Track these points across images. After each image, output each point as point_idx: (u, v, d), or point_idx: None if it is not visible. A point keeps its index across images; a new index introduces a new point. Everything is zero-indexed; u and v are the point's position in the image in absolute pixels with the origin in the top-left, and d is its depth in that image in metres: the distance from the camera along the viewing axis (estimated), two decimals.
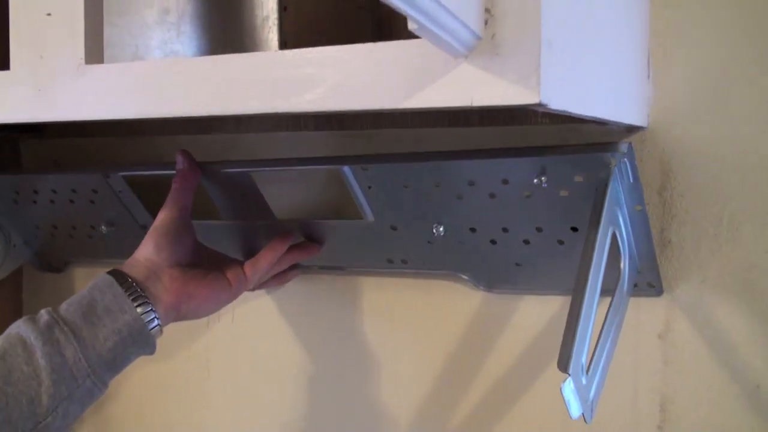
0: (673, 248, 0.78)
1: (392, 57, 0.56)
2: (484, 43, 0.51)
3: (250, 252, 0.93)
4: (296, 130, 0.97)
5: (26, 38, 0.70)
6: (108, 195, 0.98)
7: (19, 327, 0.72)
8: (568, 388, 0.59)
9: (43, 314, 0.72)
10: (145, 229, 1.00)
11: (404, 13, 0.43)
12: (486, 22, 0.50)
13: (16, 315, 1.18)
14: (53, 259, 1.15)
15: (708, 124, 0.75)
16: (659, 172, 0.78)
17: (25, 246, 1.14)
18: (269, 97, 0.61)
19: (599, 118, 0.64)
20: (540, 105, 0.50)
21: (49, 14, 0.68)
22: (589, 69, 0.60)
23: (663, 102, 0.76)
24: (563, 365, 0.59)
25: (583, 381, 0.62)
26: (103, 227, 1.02)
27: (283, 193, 0.92)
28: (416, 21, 0.44)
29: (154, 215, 0.97)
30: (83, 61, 0.67)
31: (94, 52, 0.67)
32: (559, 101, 0.52)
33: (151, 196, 0.96)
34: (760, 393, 0.76)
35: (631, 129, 0.77)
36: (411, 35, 0.48)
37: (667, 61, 0.76)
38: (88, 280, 1.15)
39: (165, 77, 0.64)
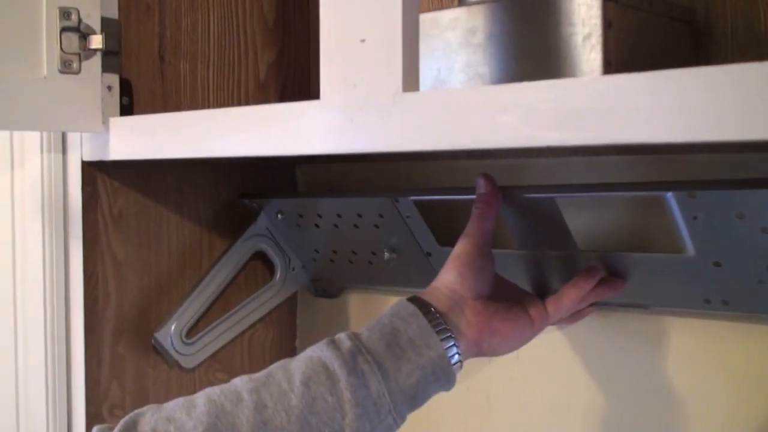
0: None
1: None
2: None
3: (542, 284, 0.87)
4: (593, 155, 0.89)
5: (338, 66, 0.67)
6: (394, 220, 0.95)
7: (321, 351, 0.68)
8: None
9: (345, 339, 0.69)
10: (429, 256, 0.96)
11: None
12: None
13: (291, 340, 1.20)
14: (329, 285, 1.14)
15: None
16: None
17: (303, 270, 1.14)
18: (590, 128, 0.54)
19: None
20: None
21: (363, 40, 0.65)
22: None
23: None
24: None
25: None
26: (385, 253, 1.00)
27: (587, 222, 0.85)
28: None
29: (440, 243, 0.93)
30: (400, 88, 0.62)
31: (411, 79, 0.63)
32: None
33: (440, 223, 0.92)
34: None
35: None
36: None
37: None
38: (363, 307, 1.15)
39: (491, 104, 0.59)
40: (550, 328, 0.94)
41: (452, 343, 0.71)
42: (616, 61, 0.68)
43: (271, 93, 1.13)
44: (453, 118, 0.61)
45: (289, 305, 1.19)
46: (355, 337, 0.69)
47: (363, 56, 0.65)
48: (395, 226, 0.96)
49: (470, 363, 1.02)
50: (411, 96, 0.63)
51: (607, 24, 0.67)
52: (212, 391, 0.67)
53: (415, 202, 0.91)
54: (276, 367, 0.68)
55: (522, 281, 0.87)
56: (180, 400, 0.66)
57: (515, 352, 0.98)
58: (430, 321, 0.71)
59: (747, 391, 0.82)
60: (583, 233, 0.86)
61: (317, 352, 0.69)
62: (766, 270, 0.73)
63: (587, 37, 0.68)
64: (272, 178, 1.16)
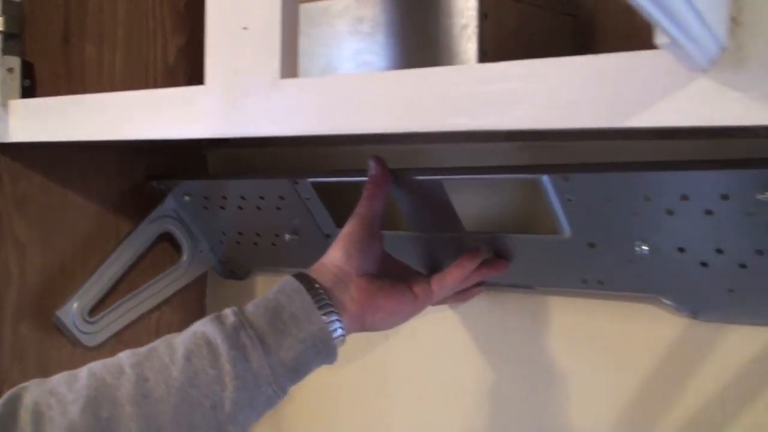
0: None
1: (610, 70, 0.51)
2: (728, 55, 0.45)
3: (434, 265, 0.90)
4: (486, 142, 0.92)
5: (222, 53, 0.69)
6: (295, 202, 0.97)
7: (205, 326, 0.70)
8: None
9: (230, 315, 0.71)
10: (329, 238, 0.99)
11: (658, 25, 0.37)
12: (731, 32, 0.44)
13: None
14: (236, 267, 1.16)
15: None
16: None
17: (210, 252, 1.16)
18: (469, 113, 0.57)
19: None
20: None
21: (245, 28, 0.67)
22: None
23: None
24: None
25: None
26: (287, 235, 1.02)
27: (474, 204, 0.89)
28: (670, 34, 0.38)
29: (339, 225, 0.96)
30: (279, 75, 0.65)
31: (289, 67, 0.66)
32: None
33: (338, 205, 0.95)
34: None
35: None
36: (614, 45, 0.43)
37: None
38: (269, 289, 1.17)
39: (362, 92, 0.62)
40: (442, 307, 0.98)
41: (335, 318, 0.73)
42: (492, 51, 0.71)
43: (180, 77, 1.14)
44: (328, 104, 0.63)
45: (198, 287, 1.21)
46: (239, 313, 0.71)
47: (245, 43, 0.67)
48: (296, 208, 0.98)
49: (367, 341, 1.06)
50: (288, 82, 0.65)
51: (483, 15, 0.71)
52: (95, 365, 0.68)
53: (313, 184, 0.94)
54: (160, 342, 0.70)
55: (415, 262, 0.90)
56: (65, 374, 0.68)
57: (410, 331, 1.02)
58: (313, 296, 0.73)
59: (622, 364, 0.87)
60: (473, 216, 0.90)
61: (201, 327, 0.71)
62: (634, 251, 0.77)
63: (464, 27, 0.71)
64: (183, 161, 1.17)
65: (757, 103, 0.45)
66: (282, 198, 0.99)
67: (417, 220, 0.90)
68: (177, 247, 1.15)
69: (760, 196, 0.67)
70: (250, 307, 0.72)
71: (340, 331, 0.73)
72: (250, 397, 0.68)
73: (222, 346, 0.68)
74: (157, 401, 0.65)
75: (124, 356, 0.69)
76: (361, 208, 0.81)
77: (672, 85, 0.47)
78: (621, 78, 0.50)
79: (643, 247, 0.77)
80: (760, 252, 0.71)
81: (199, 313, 1.21)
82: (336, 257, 0.78)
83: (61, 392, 0.65)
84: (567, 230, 0.80)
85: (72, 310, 1.02)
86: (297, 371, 0.71)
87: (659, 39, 0.39)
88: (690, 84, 0.47)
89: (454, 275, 0.83)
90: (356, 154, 1.03)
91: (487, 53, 0.71)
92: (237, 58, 0.68)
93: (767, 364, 0.78)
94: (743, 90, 0.45)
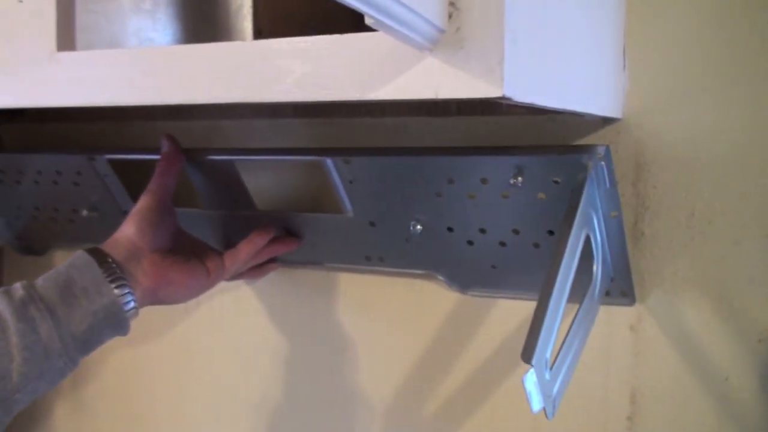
0: (645, 240, 0.78)
1: (361, 48, 0.55)
2: (449, 36, 0.51)
3: (230, 242, 0.93)
4: (276, 118, 0.96)
5: None
6: (92, 178, 0.98)
7: None
8: (531, 380, 0.58)
9: (19, 288, 0.71)
10: (127, 215, 0.99)
11: (358, 10, 0.42)
12: (450, 16, 0.50)
13: None
14: (34, 242, 1.15)
15: (683, 116, 0.74)
16: (634, 164, 0.77)
17: (6, 227, 1.14)
18: (237, 87, 0.60)
19: (570, 110, 0.63)
20: (504, 98, 0.50)
21: (20, 1, 0.67)
22: (558, 62, 0.59)
23: (638, 93, 0.76)
24: (527, 357, 0.58)
25: (547, 376, 0.61)
26: (84, 211, 1.02)
27: (266, 184, 0.92)
28: (371, 16, 0.43)
29: (136, 201, 0.97)
30: (55, 48, 0.66)
31: (66, 40, 0.67)
32: (524, 94, 0.52)
33: (135, 182, 0.95)
34: (728, 384, 0.75)
35: (607, 120, 0.77)
36: None
37: (642, 51, 0.75)
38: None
39: (136, 66, 0.64)
40: (239, 283, 1.01)
41: (127, 291, 0.74)
42: (267, 30, 0.74)
43: None
44: (103, 77, 0.65)
45: None
46: (29, 286, 0.72)
47: (21, 16, 0.68)
48: (93, 184, 0.98)
49: (169, 317, 1.08)
50: (65, 55, 0.66)
51: None
52: None
53: (110, 161, 0.95)
54: None
55: (210, 238, 0.93)
56: None
57: (208, 306, 1.04)
58: (104, 270, 0.74)
59: (403, 335, 0.93)
60: (266, 195, 0.93)
61: None
62: (409, 230, 0.83)
63: (240, 7, 0.74)
64: None
65: (477, 78, 0.50)
66: (79, 174, 0.99)
67: (211, 197, 0.93)
68: None
69: (512, 181, 0.73)
70: (40, 281, 0.73)
71: (132, 304, 0.75)
72: (39, 369, 0.69)
73: (10, 319, 0.69)
74: None
75: None
76: (153, 185, 0.83)
77: (406, 63, 0.52)
78: (367, 56, 0.54)
79: (417, 227, 0.82)
80: (516, 231, 0.78)
81: None
82: (128, 232, 0.79)
83: None
84: (349, 209, 0.85)
85: None
86: (88, 343, 0.73)
87: (366, 20, 0.44)
88: (420, 62, 0.52)
89: (245, 251, 0.86)
90: (154, 129, 1.05)
91: (262, 31, 0.74)
92: (14, 31, 0.68)
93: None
94: (464, 67, 0.50)
